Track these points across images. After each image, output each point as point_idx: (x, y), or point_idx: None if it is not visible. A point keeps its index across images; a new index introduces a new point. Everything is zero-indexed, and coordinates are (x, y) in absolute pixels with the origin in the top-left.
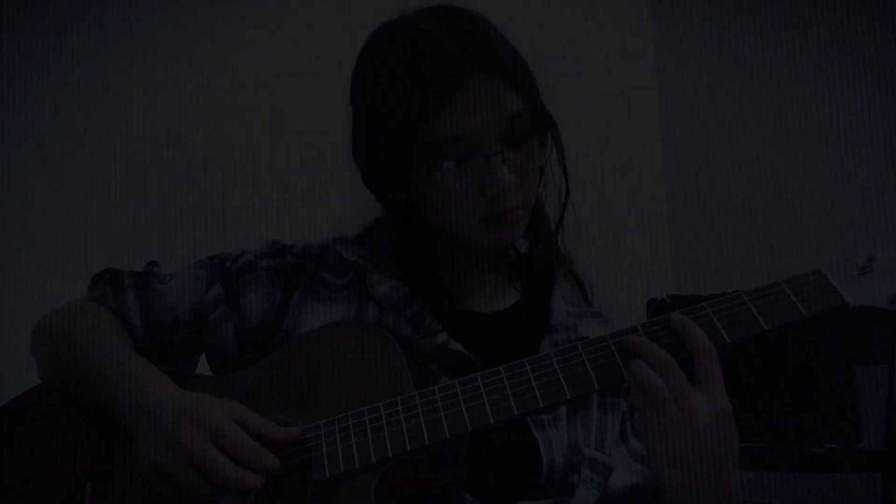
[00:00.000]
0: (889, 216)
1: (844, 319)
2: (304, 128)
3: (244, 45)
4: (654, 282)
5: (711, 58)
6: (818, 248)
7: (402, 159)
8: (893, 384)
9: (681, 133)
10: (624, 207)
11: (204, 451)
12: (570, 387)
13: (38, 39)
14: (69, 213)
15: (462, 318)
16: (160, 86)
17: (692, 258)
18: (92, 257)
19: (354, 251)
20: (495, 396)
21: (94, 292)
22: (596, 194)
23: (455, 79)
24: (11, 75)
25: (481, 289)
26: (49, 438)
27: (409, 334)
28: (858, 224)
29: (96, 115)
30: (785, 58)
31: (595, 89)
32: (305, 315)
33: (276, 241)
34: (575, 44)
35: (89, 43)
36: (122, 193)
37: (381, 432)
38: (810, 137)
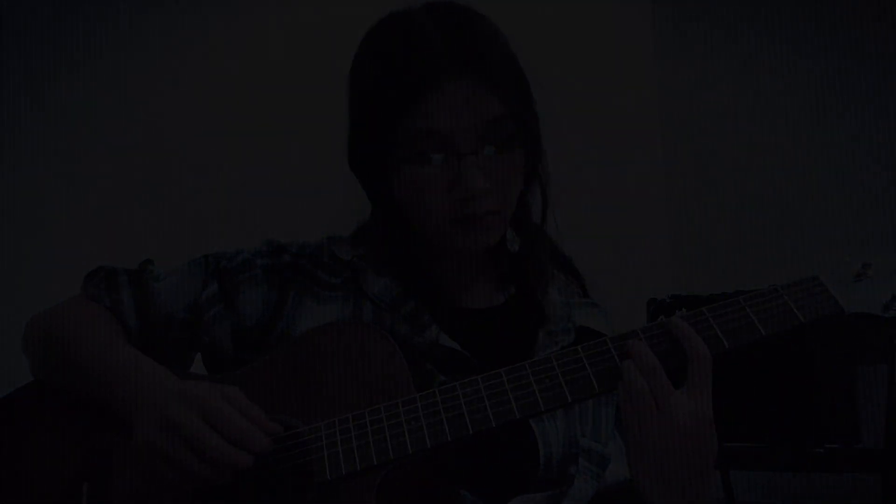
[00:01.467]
0: (884, 221)
1: (843, 321)
2: (303, 128)
3: (243, 45)
4: (654, 282)
5: (712, 59)
6: (816, 248)
7: (379, 148)
8: (893, 384)
9: (681, 134)
10: (624, 208)
11: (194, 428)
12: (572, 391)
13: (37, 40)
14: (66, 212)
15: (457, 315)
16: (159, 85)
17: (692, 258)
18: (88, 255)
19: (349, 250)
20: (497, 399)
21: (89, 290)
22: (596, 195)
23: (435, 75)
24: (11, 76)
25: (476, 286)
26: (44, 438)
27: (405, 332)
28: (855, 225)
29: (94, 115)
30: (785, 61)
31: (595, 90)
32: (302, 314)
33: (271, 241)
34: (576, 44)
35: (90, 44)
36: (118, 192)
37: (382, 434)
38: (810, 140)
